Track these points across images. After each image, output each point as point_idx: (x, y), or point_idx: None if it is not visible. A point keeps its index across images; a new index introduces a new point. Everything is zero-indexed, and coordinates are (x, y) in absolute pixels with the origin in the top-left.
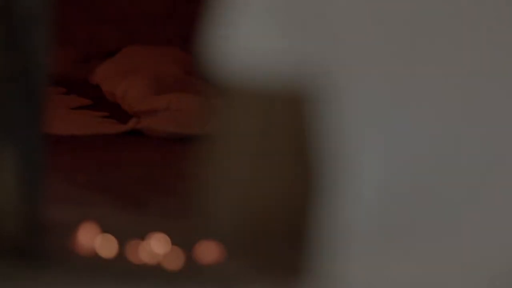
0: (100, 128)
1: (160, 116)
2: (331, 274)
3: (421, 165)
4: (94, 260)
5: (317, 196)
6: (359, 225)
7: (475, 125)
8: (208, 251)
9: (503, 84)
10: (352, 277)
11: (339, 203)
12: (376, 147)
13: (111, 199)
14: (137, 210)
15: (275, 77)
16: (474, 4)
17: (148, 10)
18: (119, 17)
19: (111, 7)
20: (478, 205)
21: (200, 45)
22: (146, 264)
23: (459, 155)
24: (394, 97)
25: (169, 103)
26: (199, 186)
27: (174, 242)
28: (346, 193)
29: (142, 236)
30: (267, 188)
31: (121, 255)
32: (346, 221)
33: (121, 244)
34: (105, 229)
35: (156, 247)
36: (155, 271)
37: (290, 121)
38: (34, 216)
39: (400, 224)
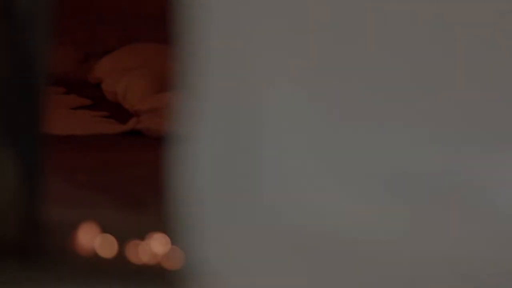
0: (100, 128)
1: (160, 116)
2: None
3: (251, 131)
4: (94, 260)
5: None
6: (200, 194)
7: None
8: None
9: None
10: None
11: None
12: (216, 108)
13: (111, 199)
14: (137, 210)
15: None
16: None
17: (148, 10)
18: (119, 17)
19: (111, 7)
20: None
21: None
22: (146, 264)
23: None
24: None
25: (170, 101)
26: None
27: (174, 242)
28: (189, 162)
29: (142, 236)
30: None
31: (121, 255)
32: (191, 191)
33: (121, 244)
34: (105, 229)
35: (156, 247)
36: (155, 271)
37: None
38: (34, 216)
39: (235, 189)
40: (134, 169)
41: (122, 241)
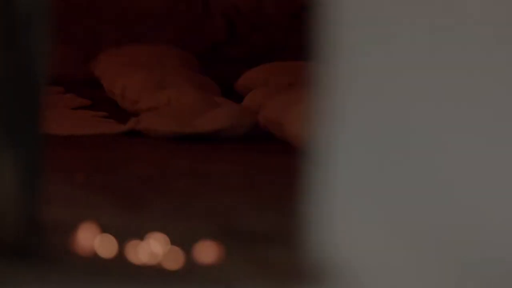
0: (99, 128)
1: (160, 115)
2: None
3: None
4: (94, 260)
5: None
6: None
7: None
8: (208, 251)
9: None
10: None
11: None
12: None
13: (111, 199)
14: (137, 210)
15: None
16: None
17: (148, 10)
18: (119, 17)
19: (111, 7)
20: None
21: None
22: (146, 264)
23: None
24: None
25: (169, 99)
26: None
27: (174, 242)
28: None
29: (142, 236)
30: None
31: (121, 255)
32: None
33: (121, 244)
34: (105, 229)
35: (156, 247)
36: (155, 271)
37: None
38: (34, 216)
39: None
40: (134, 169)
41: (122, 241)
